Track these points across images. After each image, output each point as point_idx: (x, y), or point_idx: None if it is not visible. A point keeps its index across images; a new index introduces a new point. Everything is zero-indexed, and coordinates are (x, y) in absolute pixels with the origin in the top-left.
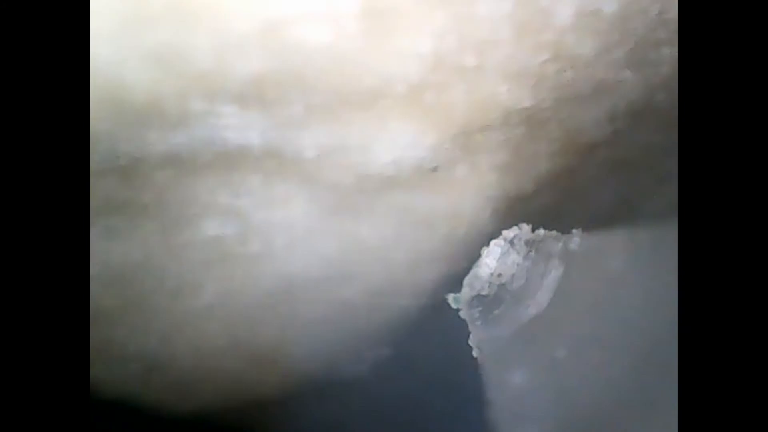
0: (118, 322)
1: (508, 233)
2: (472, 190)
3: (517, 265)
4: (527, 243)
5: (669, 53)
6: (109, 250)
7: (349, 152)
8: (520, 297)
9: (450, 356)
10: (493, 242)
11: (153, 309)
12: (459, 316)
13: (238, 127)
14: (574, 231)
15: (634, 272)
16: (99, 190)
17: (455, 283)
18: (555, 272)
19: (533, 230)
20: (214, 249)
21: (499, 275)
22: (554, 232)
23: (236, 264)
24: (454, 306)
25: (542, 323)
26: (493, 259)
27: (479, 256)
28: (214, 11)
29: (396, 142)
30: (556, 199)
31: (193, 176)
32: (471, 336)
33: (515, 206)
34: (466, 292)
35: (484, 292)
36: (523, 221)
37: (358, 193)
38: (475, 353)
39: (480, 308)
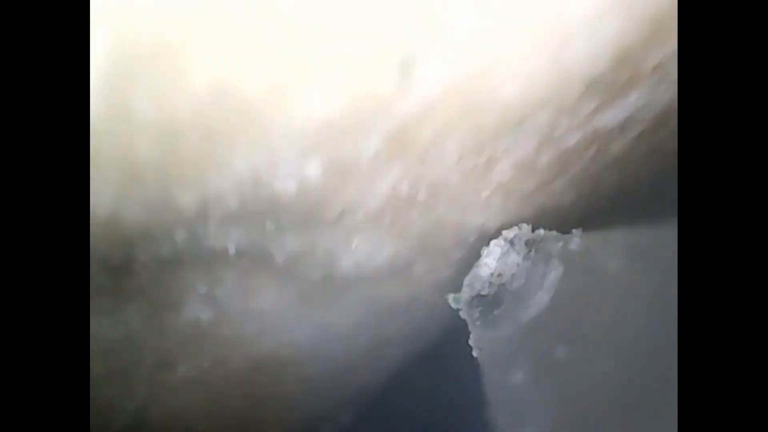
0: (103, 386)
1: (508, 233)
2: (428, 283)
3: (517, 265)
4: (527, 243)
5: (603, 180)
6: (98, 325)
7: (316, 257)
8: (520, 297)
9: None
10: (493, 242)
11: (134, 378)
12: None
13: (217, 239)
14: (573, 231)
15: (634, 272)
16: (91, 277)
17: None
18: (555, 272)
19: (533, 230)
20: (191, 331)
21: (499, 275)
22: (554, 232)
23: (210, 345)
24: (454, 306)
25: (542, 323)
26: (493, 259)
27: (479, 256)
28: (197, 170)
29: (358, 251)
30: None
31: (176, 271)
32: (471, 336)
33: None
34: (466, 292)
35: (484, 292)
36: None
37: (325, 287)
38: (475, 353)
39: (480, 308)
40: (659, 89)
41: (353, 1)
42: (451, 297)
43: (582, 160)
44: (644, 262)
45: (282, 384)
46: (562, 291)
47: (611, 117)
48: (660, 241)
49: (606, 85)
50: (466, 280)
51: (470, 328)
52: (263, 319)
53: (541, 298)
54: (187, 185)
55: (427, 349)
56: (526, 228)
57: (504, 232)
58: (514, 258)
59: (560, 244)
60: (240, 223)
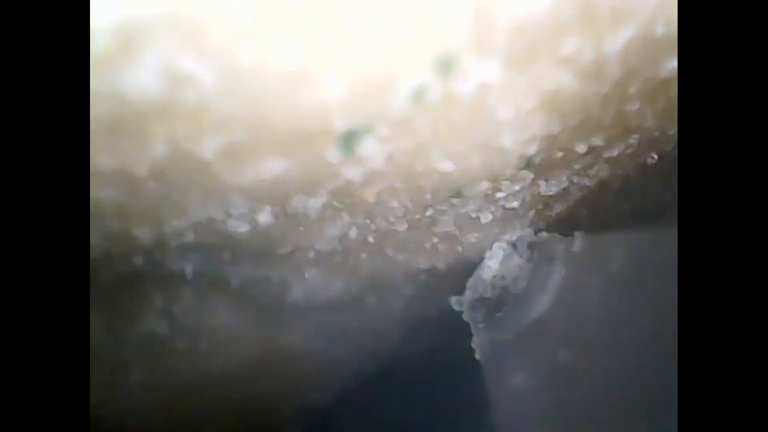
0: None
1: (511, 236)
2: (381, 313)
3: (520, 267)
4: (530, 246)
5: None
6: None
7: (270, 284)
8: (523, 299)
9: None
10: (495, 245)
11: (91, 380)
12: None
13: (175, 262)
14: (576, 233)
15: (637, 274)
16: None
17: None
18: (557, 274)
19: (536, 233)
20: (146, 342)
21: (502, 278)
22: (556, 235)
23: (163, 357)
24: (457, 309)
25: (544, 325)
26: (495, 262)
27: (482, 258)
28: (154, 211)
29: (310, 284)
30: None
31: (134, 286)
32: (474, 338)
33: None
34: (468, 294)
35: (486, 295)
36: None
37: (277, 312)
38: (477, 355)
39: (483, 311)
40: (593, 168)
41: (302, 80)
42: (453, 300)
43: (526, 218)
44: (647, 264)
45: (229, 398)
46: (564, 293)
47: (551, 186)
48: (663, 243)
49: (541, 163)
50: (469, 283)
51: (473, 330)
52: (216, 336)
53: (544, 301)
54: (145, 222)
55: (378, 373)
56: (528, 231)
57: (506, 235)
58: (517, 260)
59: (562, 246)
60: (197, 252)
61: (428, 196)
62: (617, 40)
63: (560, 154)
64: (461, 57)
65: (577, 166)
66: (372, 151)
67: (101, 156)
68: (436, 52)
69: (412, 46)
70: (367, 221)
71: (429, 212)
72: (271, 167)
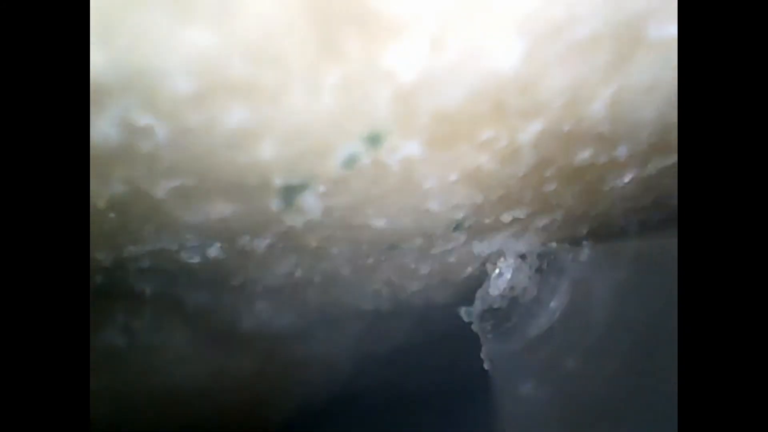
0: None
1: (520, 247)
2: (330, 347)
3: (529, 278)
4: (539, 256)
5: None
6: None
7: (222, 312)
8: (532, 310)
9: None
10: (501, 262)
11: None
12: None
13: (136, 281)
14: (584, 243)
15: (644, 284)
16: None
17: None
18: (566, 284)
19: (544, 243)
20: (105, 354)
21: (511, 288)
22: (565, 245)
23: (120, 369)
24: (466, 319)
25: (553, 335)
26: (503, 280)
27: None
28: (111, 238)
29: (259, 314)
30: None
31: (99, 299)
32: (482, 349)
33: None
34: (477, 305)
35: (495, 306)
36: None
37: (229, 337)
38: (486, 365)
39: (492, 321)
40: (524, 235)
41: (242, 141)
42: (462, 310)
43: (463, 272)
44: (654, 273)
45: (179, 413)
46: (572, 303)
47: (485, 247)
48: (670, 252)
49: (471, 226)
50: (478, 294)
51: (482, 341)
52: (170, 354)
53: (552, 311)
54: (104, 247)
55: (319, 409)
56: (537, 241)
57: (515, 246)
58: (526, 271)
59: (570, 256)
60: (155, 275)
61: (365, 247)
62: (529, 132)
63: (488, 220)
64: (388, 134)
65: (507, 233)
66: (311, 204)
67: None
68: (365, 129)
69: (344, 121)
70: (313, 263)
71: (370, 260)
72: (219, 209)
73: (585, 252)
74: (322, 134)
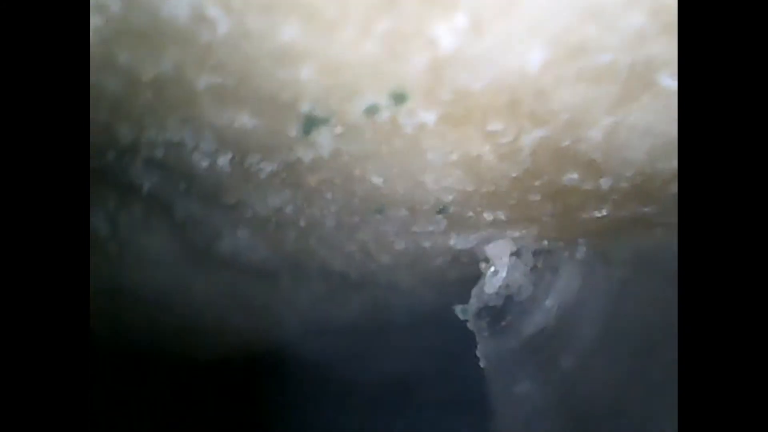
0: None
1: (516, 245)
2: (292, 301)
3: (525, 276)
4: (534, 254)
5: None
6: None
7: (206, 230)
8: (527, 307)
9: None
10: (497, 261)
11: None
12: None
13: (138, 173)
14: (579, 241)
15: (640, 282)
16: None
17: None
18: (561, 282)
19: (540, 241)
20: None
21: (507, 286)
22: (561, 243)
23: (94, 254)
24: (462, 317)
25: (549, 333)
26: (499, 278)
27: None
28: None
29: (238, 242)
30: None
31: (96, 182)
32: (478, 347)
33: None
34: (473, 303)
35: (491, 304)
36: None
37: (203, 256)
38: (482, 364)
39: (488, 319)
40: (498, 240)
41: (287, 56)
42: (459, 308)
43: (432, 263)
44: (650, 271)
45: (139, 311)
46: (568, 301)
47: (459, 242)
48: (666, 251)
49: (454, 215)
50: (474, 292)
51: (478, 339)
52: (144, 253)
53: (548, 309)
54: (129, 122)
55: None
56: (532, 239)
57: (511, 245)
58: (522, 269)
59: (566, 254)
60: (159, 170)
61: (356, 201)
62: (532, 135)
63: (470, 214)
64: (411, 96)
65: (484, 233)
66: (324, 141)
67: (122, 51)
68: (393, 85)
69: (378, 70)
70: (304, 205)
71: (355, 218)
72: (244, 120)
73: (581, 250)
74: (356, 75)
